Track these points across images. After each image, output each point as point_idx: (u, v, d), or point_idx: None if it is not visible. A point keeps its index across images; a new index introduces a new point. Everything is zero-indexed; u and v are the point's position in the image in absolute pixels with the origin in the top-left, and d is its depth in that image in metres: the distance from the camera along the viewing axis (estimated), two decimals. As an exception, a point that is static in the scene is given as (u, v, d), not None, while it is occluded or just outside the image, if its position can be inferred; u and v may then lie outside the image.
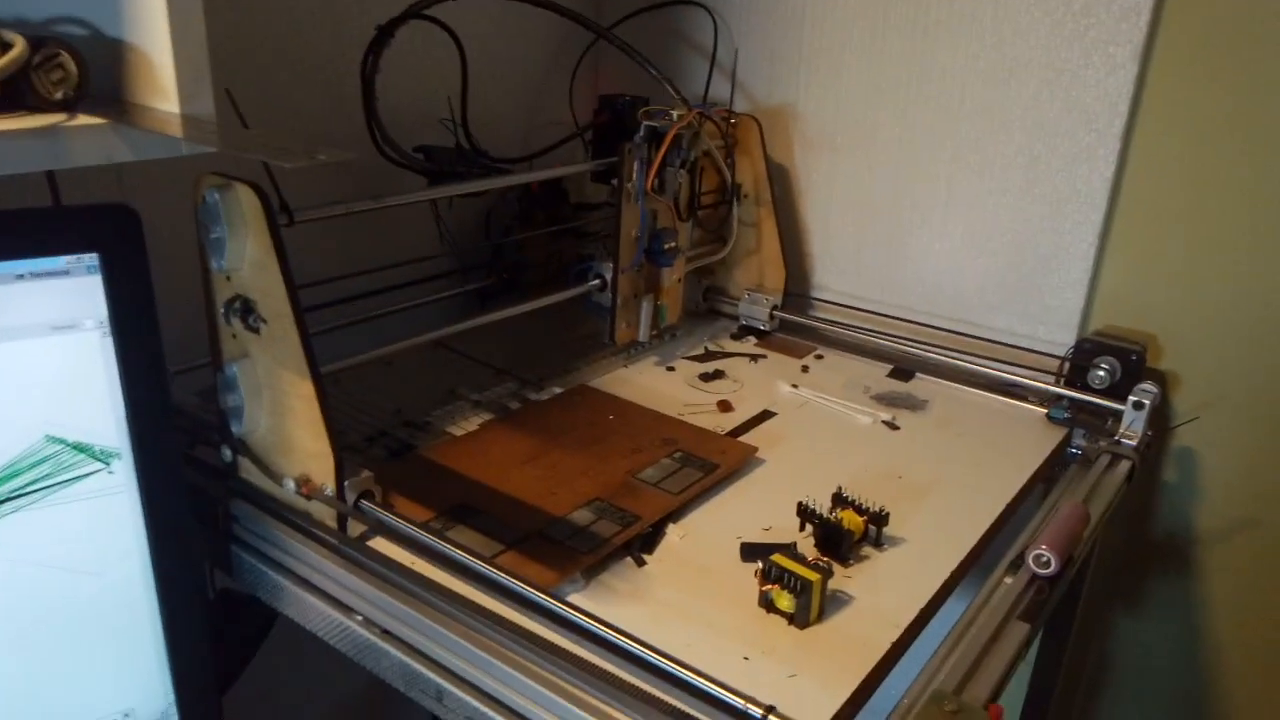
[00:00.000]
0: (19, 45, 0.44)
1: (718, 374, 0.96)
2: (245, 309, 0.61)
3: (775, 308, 1.07)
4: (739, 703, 0.48)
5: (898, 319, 1.06)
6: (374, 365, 0.77)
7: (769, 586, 0.59)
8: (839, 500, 0.69)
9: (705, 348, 1.03)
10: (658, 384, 0.93)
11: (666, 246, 0.92)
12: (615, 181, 0.87)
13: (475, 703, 0.55)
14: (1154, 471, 0.98)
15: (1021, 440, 0.86)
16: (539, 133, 1.12)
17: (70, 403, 0.58)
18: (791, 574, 0.58)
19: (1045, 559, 0.64)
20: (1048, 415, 0.90)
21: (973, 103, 0.97)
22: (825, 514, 0.67)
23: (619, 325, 0.92)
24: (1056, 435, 0.88)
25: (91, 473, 0.60)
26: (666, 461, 0.75)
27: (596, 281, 0.92)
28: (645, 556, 0.65)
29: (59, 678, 0.62)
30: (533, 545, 0.63)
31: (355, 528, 0.63)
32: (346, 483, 0.62)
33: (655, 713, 0.49)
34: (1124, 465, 0.82)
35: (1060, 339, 0.97)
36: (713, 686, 0.49)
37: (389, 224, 0.98)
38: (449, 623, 0.56)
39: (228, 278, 0.61)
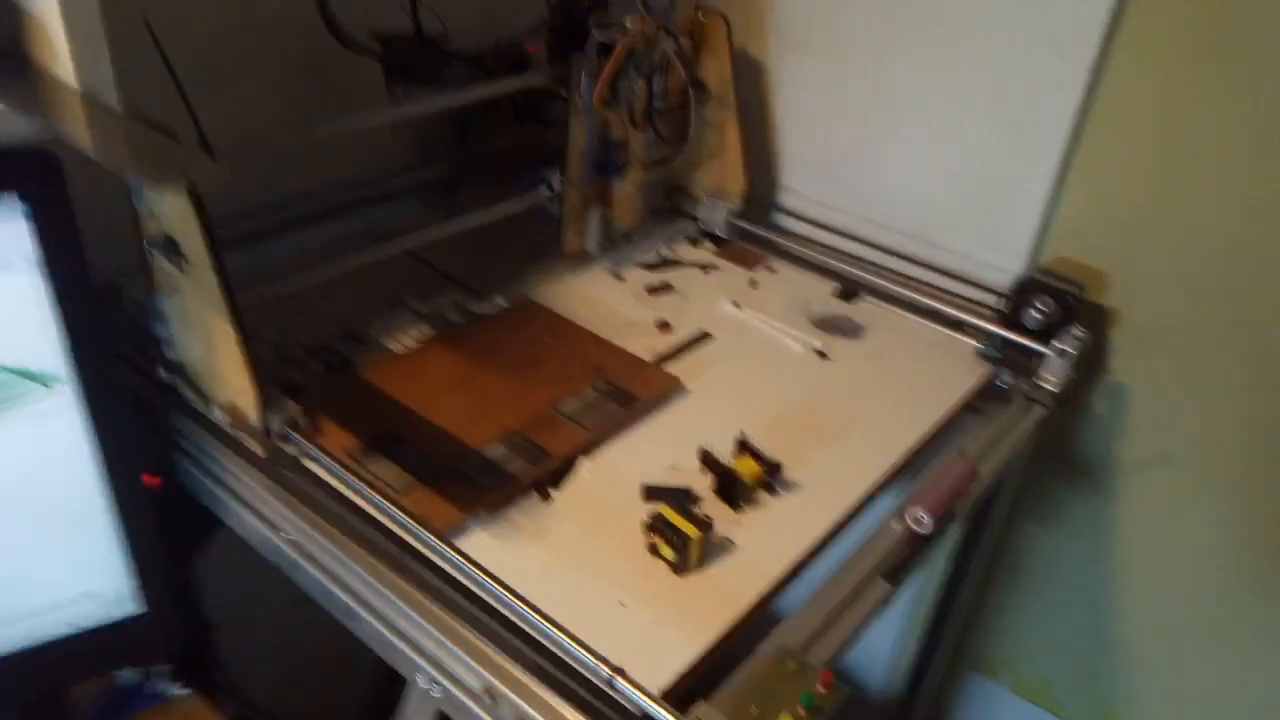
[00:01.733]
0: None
1: (665, 287, 0.98)
2: (170, 247, 0.63)
3: (732, 214, 1.07)
4: (590, 660, 0.54)
5: (851, 236, 1.07)
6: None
7: (654, 538, 0.64)
8: (742, 447, 0.73)
9: (659, 253, 1.05)
10: (605, 295, 0.95)
11: (616, 159, 0.91)
12: (564, 93, 0.86)
13: (380, 629, 0.61)
14: (1083, 401, 1.01)
15: (948, 376, 0.89)
16: (500, 11, 1.08)
17: (9, 334, 0.62)
18: (674, 528, 0.63)
19: (921, 518, 0.68)
20: (978, 351, 0.93)
21: (949, 11, 0.94)
22: (723, 461, 0.71)
23: (567, 235, 0.94)
24: (984, 372, 0.91)
25: (31, 392, 0.65)
26: (589, 392, 0.79)
27: (546, 192, 0.92)
28: (553, 491, 0.70)
29: (31, 563, 0.70)
30: (444, 480, 0.68)
31: (280, 451, 0.68)
32: (270, 414, 0.66)
33: (516, 664, 0.55)
34: (1037, 411, 0.85)
35: (1012, 267, 0.98)
36: (569, 642, 0.54)
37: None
38: (354, 551, 0.62)
39: (152, 214, 0.63)
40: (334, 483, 0.66)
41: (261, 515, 0.68)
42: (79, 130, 0.46)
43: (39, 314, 0.62)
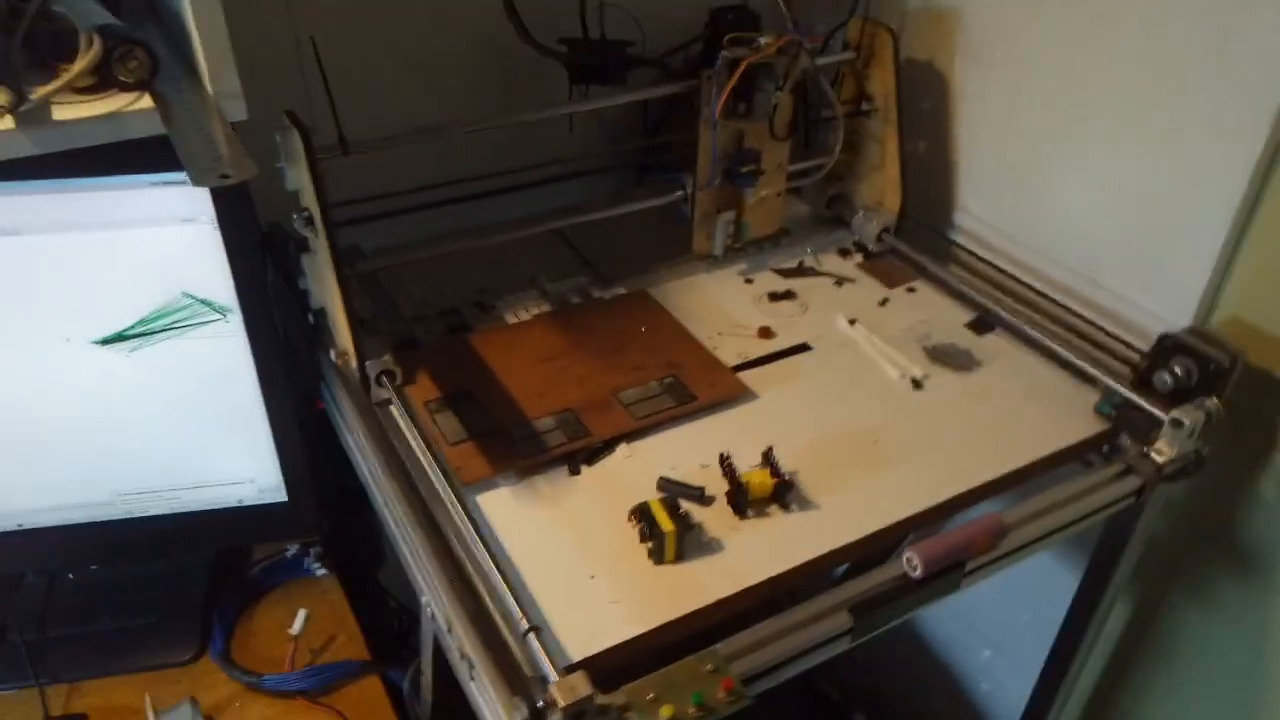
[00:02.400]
0: (95, 46, 0.62)
1: (788, 294, 1.01)
2: (308, 219, 0.79)
3: (886, 230, 1.06)
4: (516, 612, 0.62)
5: (1012, 263, 1.02)
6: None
7: (638, 525, 0.71)
8: (764, 458, 0.76)
9: (801, 261, 1.07)
10: (724, 296, 1.00)
11: (744, 169, 0.96)
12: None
13: (408, 557, 0.73)
14: (1249, 483, 0.90)
15: (1047, 428, 0.84)
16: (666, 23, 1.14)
17: (197, 272, 0.82)
18: (653, 520, 0.69)
19: (913, 561, 0.68)
20: (1095, 408, 0.86)
21: (1133, 37, 0.87)
22: (739, 469, 0.75)
23: (697, 238, 1.00)
24: (1095, 429, 0.85)
25: (214, 320, 0.84)
26: (653, 384, 0.85)
27: (680, 194, 0.99)
28: (585, 468, 0.79)
29: (210, 448, 0.91)
30: (491, 439, 0.79)
31: (377, 393, 0.83)
32: (367, 364, 0.80)
33: (458, 601, 0.64)
34: (1131, 482, 0.79)
35: (1178, 320, 0.89)
36: (506, 592, 0.63)
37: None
38: (391, 483, 0.74)
39: (297, 193, 0.79)
40: (403, 425, 0.79)
41: (355, 443, 0.83)
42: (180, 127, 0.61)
43: (217, 258, 0.81)
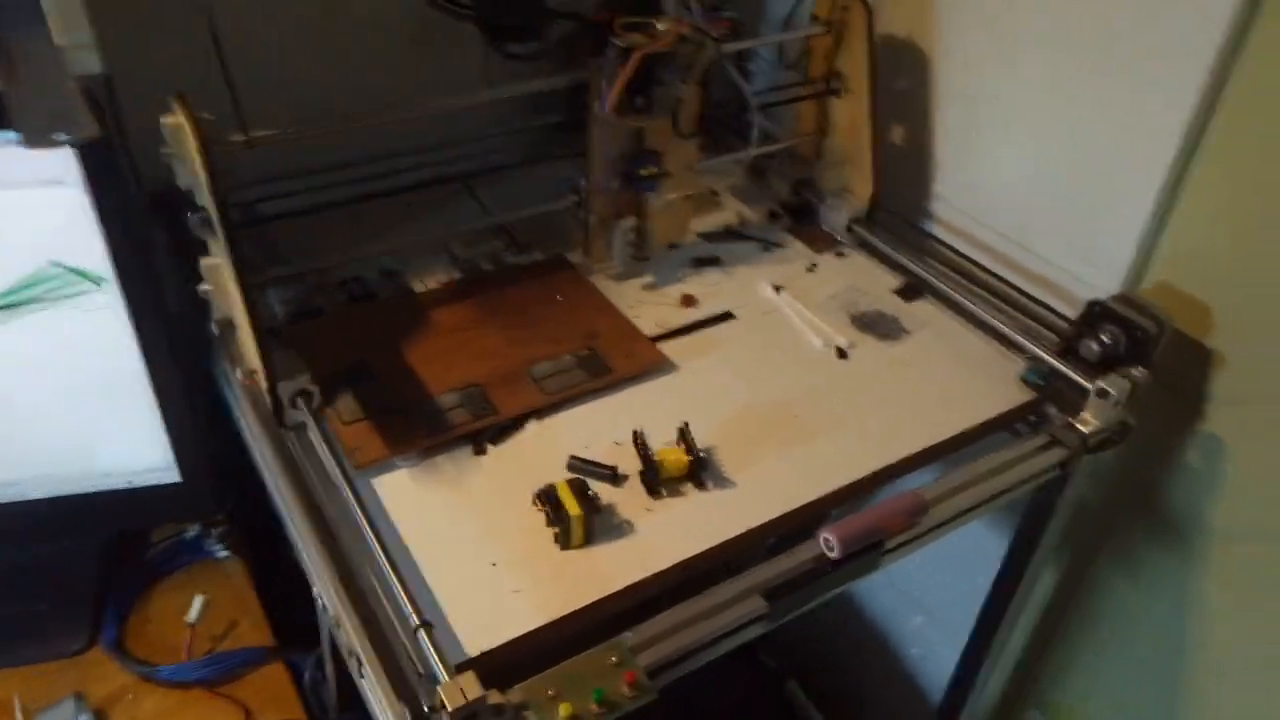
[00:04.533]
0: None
1: (712, 260, 0.97)
2: (204, 220, 0.70)
3: (856, 221, 1.00)
4: (407, 608, 0.58)
5: (930, 235, 0.99)
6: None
7: (543, 509, 0.67)
8: (680, 435, 0.73)
9: (728, 225, 1.03)
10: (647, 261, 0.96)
11: (644, 172, 0.86)
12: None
13: (294, 534, 0.68)
14: (1174, 451, 0.89)
15: (973, 399, 0.82)
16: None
17: (66, 240, 0.75)
18: (559, 503, 0.65)
19: (830, 541, 0.65)
20: (1022, 377, 0.84)
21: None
22: (651, 447, 0.71)
23: (593, 247, 0.91)
24: (1021, 399, 0.82)
25: (88, 290, 0.78)
26: (566, 358, 0.81)
27: (574, 198, 0.89)
28: (491, 447, 0.74)
29: (94, 428, 0.85)
30: (389, 418, 0.74)
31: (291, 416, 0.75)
32: (280, 388, 0.73)
33: (346, 596, 0.60)
34: (1056, 453, 0.77)
35: (1109, 286, 0.87)
36: (397, 586, 0.59)
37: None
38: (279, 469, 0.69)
39: (189, 190, 0.71)
40: (318, 446, 0.71)
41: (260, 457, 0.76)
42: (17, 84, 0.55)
43: (88, 225, 0.75)
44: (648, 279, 0.93)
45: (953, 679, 1.15)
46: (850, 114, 0.97)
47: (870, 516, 0.67)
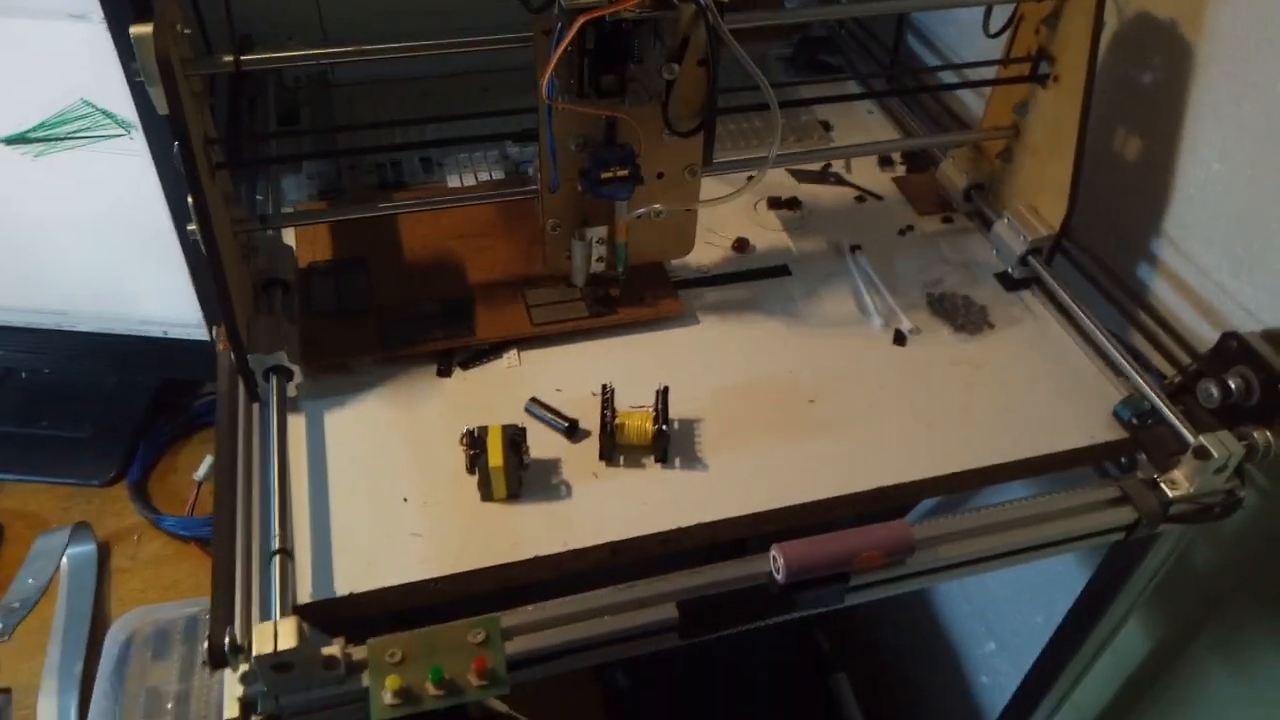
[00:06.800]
0: None
1: (791, 203, 0.84)
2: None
3: (1034, 252, 0.76)
4: (274, 530, 0.53)
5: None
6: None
7: (470, 451, 0.60)
8: (658, 400, 0.63)
9: (828, 164, 0.89)
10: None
11: (606, 175, 0.64)
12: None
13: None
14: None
15: (1037, 425, 0.67)
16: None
17: (96, 81, 0.74)
18: (483, 447, 0.58)
19: (777, 561, 0.55)
20: (1114, 410, 0.67)
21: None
22: (615, 407, 0.62)
23: (551, 257, 0.70)
24: (1103, 437, 0.66)
25: (118, 135, 0.76)
26: (571, 289, 0.72)
27: (531, 190, 0.68)
28: (458, 370, 0.68)
29: (129, 276, 0.86)
30: (359, 319, 0.69)
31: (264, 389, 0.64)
32: (250, 358, 0.62)
33: (227, 505, 0.56)
34: (1123, 513, 0.61)
35: (1266, 318, 0.68)
36: (275, 509, 0.54)
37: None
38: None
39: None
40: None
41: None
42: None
43: (114, 66, 0.73)
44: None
45: (1001, 716, 1.01)
46: (1055, 109, 0.74)
47: (836, 543, 0.55)
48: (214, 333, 0.67)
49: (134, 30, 0.51)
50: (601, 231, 0.68)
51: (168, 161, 0.75)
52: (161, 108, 0.54)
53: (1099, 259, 0.79)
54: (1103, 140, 0.78)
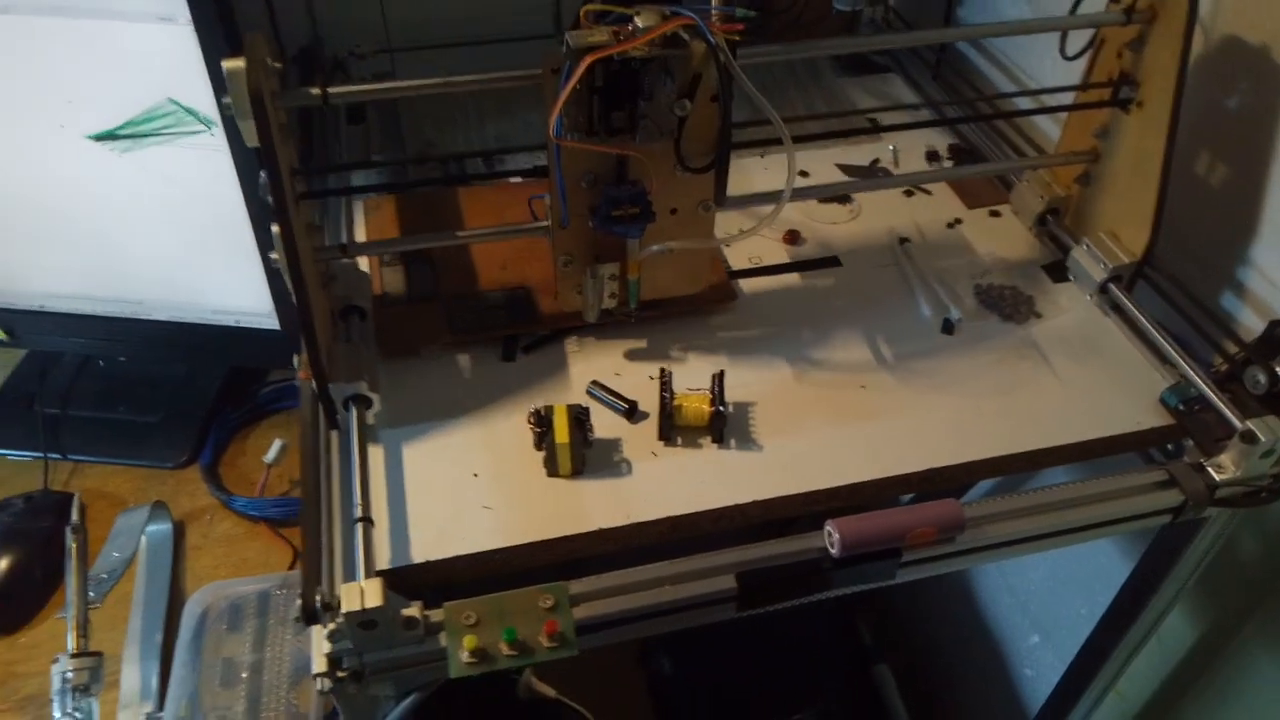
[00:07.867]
0: None
1: (840, 196, 0.86)
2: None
3: (1115, 279, 0.75)
4: (358, 498, 0.56)
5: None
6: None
7: (537, 429, 0.63)
8: (714, 383, 0.66)
9: (876, 160, 0.91)
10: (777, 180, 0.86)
11: (616, 213, 0.63)
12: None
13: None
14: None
15: (1084, 412, 0.68)
16: None
17: (180, 78, 0.78)
18: (549, 425, 0.61)
19: (832, 535, 0.57)
20: (1160, 397, 0.69)
21: None
22: (673, 391, 0.65)
23: (562, 291, 0.70)
24: (1145, 423, 0.68)
25: (199, 131, 0.81)
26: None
27: (544, 224, 0.67)
28: (522, 355, 0.71)
29: (204, 267, 0.90)
30: (425, 307, 0.72)
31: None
32: (331, 388, 0.62)
33: (312, 475, 0.59)
34: (1169, 496, 0.63)
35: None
36: (357, 482, 0.57)
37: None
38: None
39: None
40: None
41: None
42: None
43: (198, 65, 0.77)
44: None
45: (1045, 706, 1.02)
46: (1138, 134, 0.72)
47: (889, 519, 0.57)
48: (295, 360, 0.66)
49: (226, 65, 0.52)
50: (614, 268, 0.68)
51: (245, 156, 0.80)
52: (251, 140, 0.54)
53: (1180, 282, 0.77)
54: (1185, 163, 0.76)
